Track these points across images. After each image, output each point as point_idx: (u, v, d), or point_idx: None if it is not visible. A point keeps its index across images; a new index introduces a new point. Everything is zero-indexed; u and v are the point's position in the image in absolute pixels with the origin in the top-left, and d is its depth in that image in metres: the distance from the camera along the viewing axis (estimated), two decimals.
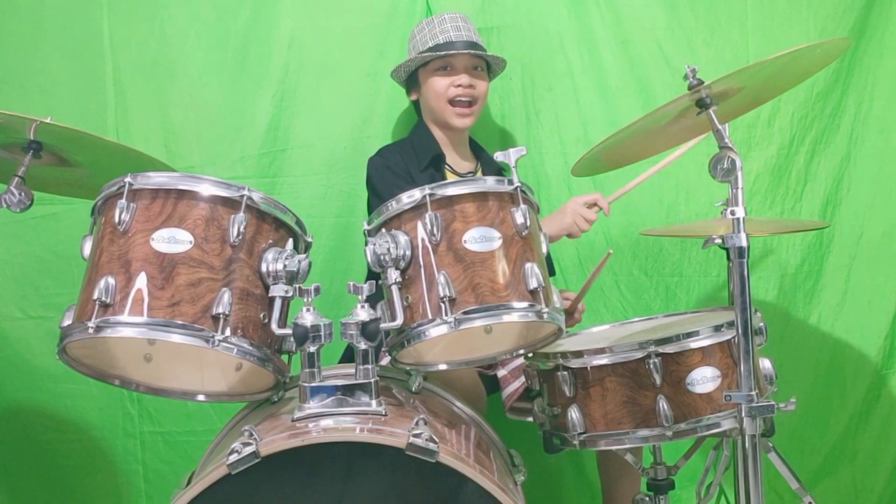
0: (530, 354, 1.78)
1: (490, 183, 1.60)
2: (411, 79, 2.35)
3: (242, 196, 1.54)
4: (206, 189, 1.53)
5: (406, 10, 2.52)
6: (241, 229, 1.52)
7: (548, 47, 2.59)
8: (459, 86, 2.26)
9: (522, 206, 1.58)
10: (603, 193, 2.18)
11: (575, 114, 2.60)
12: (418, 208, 1.57)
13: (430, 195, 1.56)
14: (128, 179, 1.51)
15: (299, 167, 2.52)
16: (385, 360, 1.91)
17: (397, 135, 2.53)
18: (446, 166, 2.32)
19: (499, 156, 1.65)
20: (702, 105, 1.52)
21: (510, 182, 1.60)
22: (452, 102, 2.28)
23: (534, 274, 1.55)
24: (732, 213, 1.45)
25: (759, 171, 2.60)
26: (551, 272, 2.18)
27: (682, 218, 2.55)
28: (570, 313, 2.24)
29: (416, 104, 2.41)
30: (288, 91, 2.51)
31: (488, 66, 2.36)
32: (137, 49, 2.49)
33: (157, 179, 1.53)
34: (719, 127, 1.48)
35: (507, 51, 2.52)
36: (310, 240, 1.70)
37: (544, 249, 1.65)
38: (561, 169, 2.59)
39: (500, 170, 2.38)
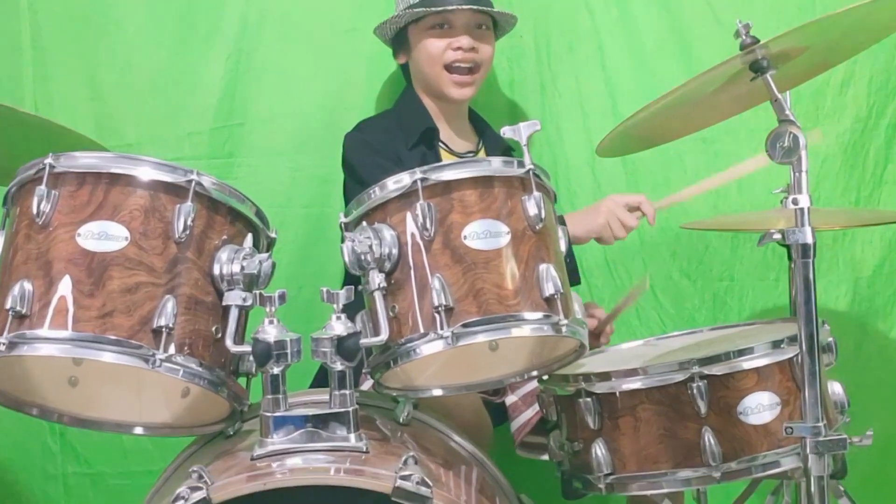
0: (546, 377, 1.78)
1: (496, 165, 1.61)
2: (399, 38, 2.36)
3: (190, 181, 1.55)
4: (146, 173, 1.54)
5: None
6: (189, 222, 1.53)
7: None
8: (459, 48, 2.27)
9: (536, 193, 1.59)
10: (647, 194, 2.20)
11: (600, 80, 2.60)
12: (407, 196, 1.58)
13: (423, 180, 1.57)
14: (48, 161, 1.52)
15: (260, 146, 2.52)
16: (367, 384, 1.91)
17: (382, 106, 2.54)
18: (440, 144, 2.34)
19: (506, 131, 1.65)
20: (757, 69, 1.52)
21: (521, 164, 1.61)
22: (449, 68, 2.29)
23: (550, 277, 1.56)
24: (795, 202, 1.46)
25: (828, 150, 2.60)
26: (575, 280, 2.19)
27: (734, 207, 2.54)
28: (595, 335, 2.26)
29: (404, 68, 2.42)
30: (246, 51, 2.51)
31: (494, 24, 2.36)
32: (60, 3, 2.49)
33: (84, 161, 1.53)
34: (778, 95, 1.48)
35: (517, 3, 2.52)
36: (273, 235, 1.71)
37: (563, 248, 1.66)
38: (583, 147, 2.59)
39: (507, 149, 2.39)
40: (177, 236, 1.52)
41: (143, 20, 2.50)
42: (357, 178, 2.20)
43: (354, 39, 2.53)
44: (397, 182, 1.58)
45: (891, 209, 2.62)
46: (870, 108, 2.62)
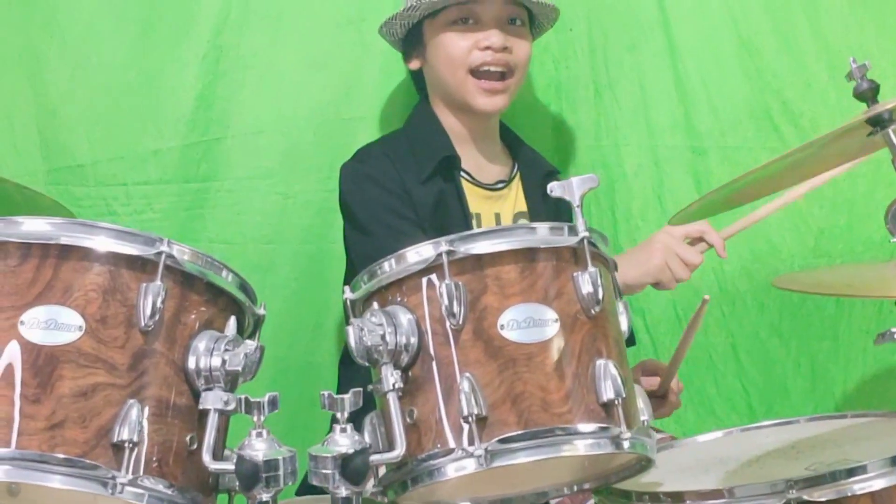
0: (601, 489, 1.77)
1: (542, 234, 1.59)
2: (412, 37, 2.35)
3: (159, 254, 1.53)
4: (103, 243, 1.52)
5: None
6: (158, 304, 1.51)
7: None
8: (488, 48, 2.25)
9: (591, 268, 1.57)
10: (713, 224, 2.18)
11: (670, 85, 2.63)
12: (429, 272, 1.56)
13: (449, 253, 1.55)
14: None
15: (243, 166, 2.55)
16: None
17: (393, 116, 2.55)
18: (463, 174, 2.32)
19: (554, 189, 1.63)
20: (877, 122, 1.50)
21: (572, 230, 1.59)
22: (476, 73, 2.27)
23: (608, 376, 1.54)
24: None
25: None
26: (629, 342, 2.18)
27: (839, 254, 2.54)
28: (661, 396, 2.24)
29: (416, 76, 2.41)
30: (226, 50, 2.54)
31: (531, 18, 2.35)
32: None
33: (28, 228, 1.52)
34: None
35: None
36: (262, 313, 1.69)
37: (625, 327, 1.65)
38: (648, 170, 2.62)
39: (549, 175, 2.38)
40: (143, 324, 1.50)
41: (99, 12, 2.53)
42: (357, 224, 2.22)
43: (360, 32, 2.56)
44: (418, 255, 1.57)
45: None
46: None
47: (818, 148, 1.57)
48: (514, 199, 2.38)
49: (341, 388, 2.37)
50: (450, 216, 2.25)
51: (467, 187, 2.31)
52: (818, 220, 2.56)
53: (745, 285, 2.55)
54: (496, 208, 2.34)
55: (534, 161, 2.41)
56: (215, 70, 2.53)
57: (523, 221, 2.35)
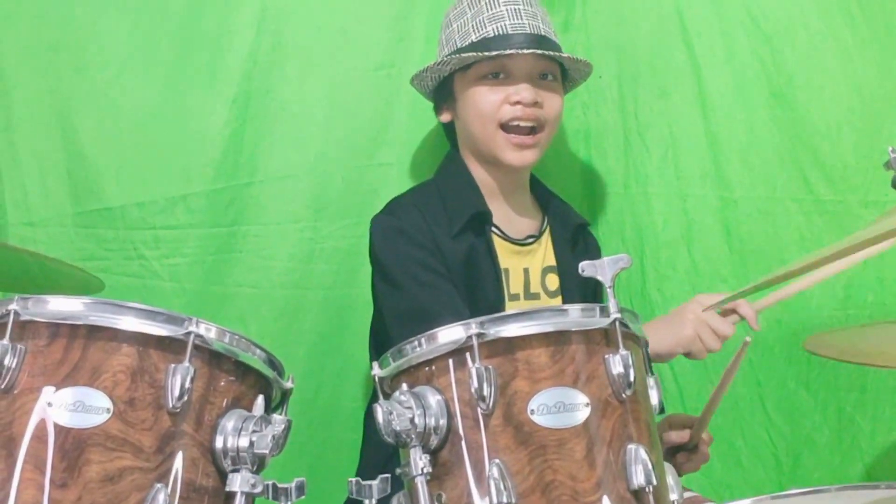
0: None
1: (574, 316, 1.57)
2: (442, 90, 2.32)
3: (188, 334, 1.52)
4: (131, 323, 1.51)
5: None
6: (187, 385, 1.50)
7: (659, 30, 2.58)
8: (518, 103, 2.22)
9: (623, 350, 1.54)
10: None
11: (700, 133, 2.59)
12: (459, 354, 1.54)
13: (479, 335, 1.52)
14: (13, 307, 1.50)
15: (271, 210, 2.53)
16: None
17: (425, 164, 2.53)
18: (494, 229, 2.29)
19: (586, 268, 1.60)
20: None
21: (604, 311, 1.56)
22: (506, 127, 2.24)
23: (640, 461, 1.51)
24: None
25: None
26: (659, 411, 2.15)
27: (868, 306, 2.51)
28: (691, 450, 2.22)
29: (447, 127, 2.39)
30: (255, 94, 2.52)
31: (563, 72, 2.32)
32: (27, 27, 2.49)
33: (56, 307, 1.51)
34: None
35: (594, 37, 2.52)
36: (289, 386, 1.68)
37: (656, 403, 1.62)
38: (677, 218, 2.58)
39: (579, 225, 2.36)
40: (171, 405, 1.49)
41: (130, 53, 2.51)
42: (387, 278, 2.19)
43: (391, 78, 2.55)
44: (447, 336, 1.55)
45: None
46: None
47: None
48: (544, 253, 2.35)
49: (367, 437, 2.36)
50: (480, 272, 2.22)
51: (497, 242, 2.27)
52: (846, 272, 2.51)
53: (773, 334, 2.52)
54: (525, 263, 2.31)
55: (564, 213, 2.39)
56: (244, 114, 2.50)
57: (551, 278, 2.33)
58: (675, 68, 2.58)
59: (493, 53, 2.20)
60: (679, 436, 2.28)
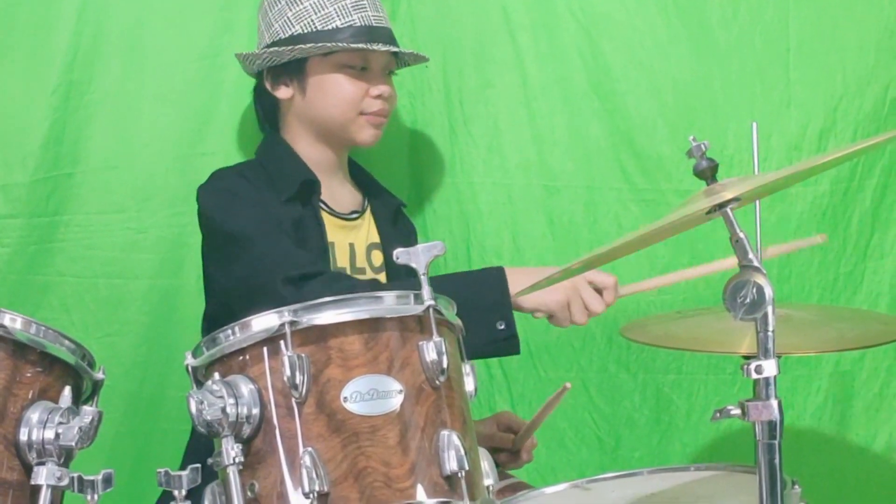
0: None
1: (389, 302, 1.56)
2: (289, 68, 2.29)
3: None
4: None
5: None
6: None
7: (485, 22, 2.59)
8: (379, 97, 2.28)
9: (437, 337, 1.53)
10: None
11: (525, 123, 2.61)
12: (272, 342, 1.51)
13: (292, 323, 1.50)
14: None
15: (94, 201, 2.46)
16: None
17: (249, 151, 2.49)
18: (321, 203, 2.29)
19: (400, 255, 1.57)
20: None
21: (418, 297, 1.55)
22: (364, 114, 2.28)
23: (452, 446, 1.50)
24: (759, 370, 1.40)
25: (801, 215, 2.62)
26: (514, 351, 2.14)
27: (683, 297, 2.55)
28: (515, 451, 2.26)
29: (265, 104, 2.37)
30: (77, 85, 2.44)
31: None
32: None
33: None
34: (740, 235, 1.43)
35: (420, 29, 2.54)
36: (100, 377, 1.61)
37: (471, 388, 1.61)
38: (502, 208, 2.60)
39: (398, 209, 2.41)
40: None
41: None
42: (223, 232, 2.17)
43: (215, 67, 2.50)
44: (260, 323, 1.52)
45: (876, 292, 2.63)
46: (853, 167, 2.62)
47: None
48: (368, 229, 2.37)
49: (193, 427, 2.30)
50: (308, 244, 2.21)
51: (324, 216, 2.28)
52: (664, 261, 2.55)
53: (594, 320, 2.50)
54: (350, 238, 2.32)
55: (382, 194, 2.42)
56: (65, 105, 2.42)
57: (376, 255, 2.37)
58: (500, 60, 2.59)
59: (362, 46, 2.22)
60: (504, 439, 2.32)
